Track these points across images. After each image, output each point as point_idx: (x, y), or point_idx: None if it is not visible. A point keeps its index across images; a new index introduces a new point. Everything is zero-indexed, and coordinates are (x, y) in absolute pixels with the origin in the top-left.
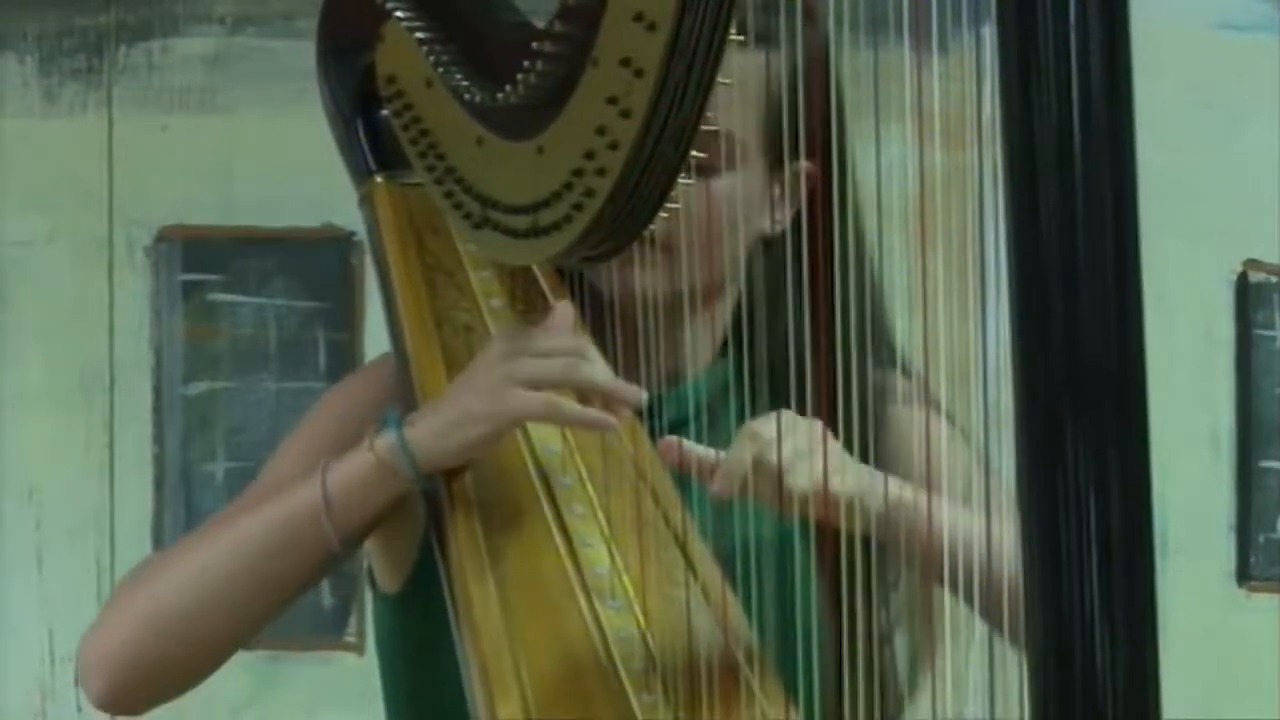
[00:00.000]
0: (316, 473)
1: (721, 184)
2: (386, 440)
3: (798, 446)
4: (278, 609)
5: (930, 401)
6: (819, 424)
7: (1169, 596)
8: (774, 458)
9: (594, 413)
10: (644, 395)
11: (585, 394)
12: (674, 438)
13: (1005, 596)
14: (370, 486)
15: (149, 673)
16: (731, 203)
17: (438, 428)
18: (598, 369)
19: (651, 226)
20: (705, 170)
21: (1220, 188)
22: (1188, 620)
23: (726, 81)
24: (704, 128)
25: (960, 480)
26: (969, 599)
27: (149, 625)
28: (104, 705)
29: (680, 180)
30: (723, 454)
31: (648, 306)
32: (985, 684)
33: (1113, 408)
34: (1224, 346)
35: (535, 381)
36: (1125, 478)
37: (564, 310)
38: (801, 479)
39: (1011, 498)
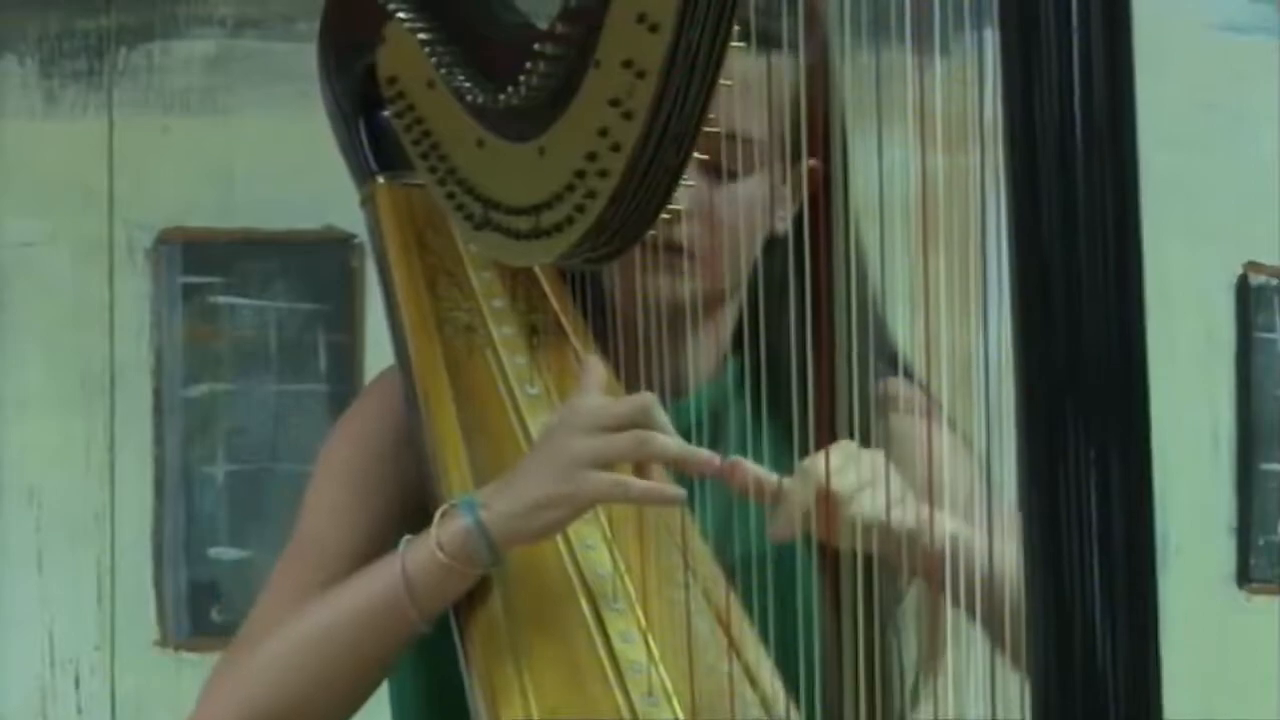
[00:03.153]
0: (394, 558)
1: (743, 189)
2: (463, 526)
3: (860, 477)
4: (366, 694)
5: (933, 409)
6: (880, 455)
7: (1169, 598)
8: (834, 489)
9: (663, 491)
10: (715, 459)
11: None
12: (739, 458)
13: (1008, 616)
14: (450, 573)
15: None
16: (751, 207)
17: (517, 511)
18: (664, 440)
19: (678, 235)
20: (727, 175)
21: (1221, 189)
22: (1188, 622)
23: (728, 83)
24: (714, 129)
25: (962, 491)
26: (971, 613)
27: None
28: None
29: (686, 183)
30: (786, 481)
31: (675, 313)
32: (987, 685)
33: (1114, 409)
34: (1224, 348)
35: (607, 461)
36: (1127, 479)
37: (595, 369)
38: (865, 508)
39: (1013, 510)
